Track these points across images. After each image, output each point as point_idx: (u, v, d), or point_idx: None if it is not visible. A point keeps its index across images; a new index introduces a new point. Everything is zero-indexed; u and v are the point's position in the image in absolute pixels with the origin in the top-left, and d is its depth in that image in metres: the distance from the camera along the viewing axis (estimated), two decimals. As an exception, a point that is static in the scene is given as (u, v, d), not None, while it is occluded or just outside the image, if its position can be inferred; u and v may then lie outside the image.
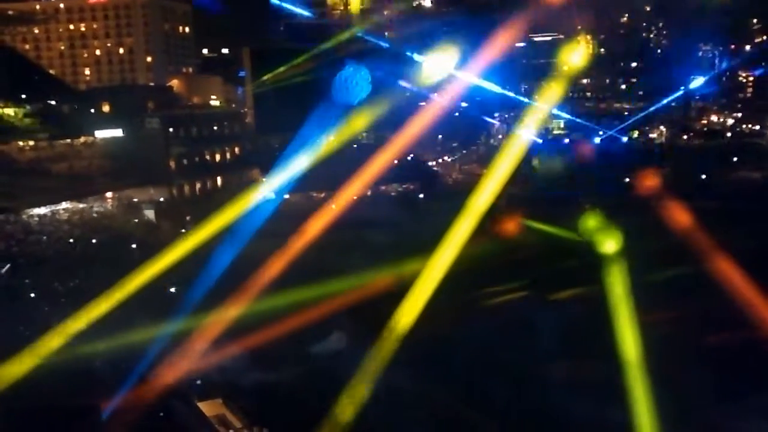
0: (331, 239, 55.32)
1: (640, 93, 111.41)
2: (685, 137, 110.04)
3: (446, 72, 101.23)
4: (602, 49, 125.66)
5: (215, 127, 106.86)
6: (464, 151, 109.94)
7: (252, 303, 44.15)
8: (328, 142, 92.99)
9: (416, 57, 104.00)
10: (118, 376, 34.43)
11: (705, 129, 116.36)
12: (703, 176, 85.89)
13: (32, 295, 49.71)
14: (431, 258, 48.58)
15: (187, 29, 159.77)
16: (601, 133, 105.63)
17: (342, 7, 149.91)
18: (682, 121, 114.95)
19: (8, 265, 56.21)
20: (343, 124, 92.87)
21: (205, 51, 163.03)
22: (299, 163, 78.31)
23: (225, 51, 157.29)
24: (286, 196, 79.87)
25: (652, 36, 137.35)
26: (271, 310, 41.51)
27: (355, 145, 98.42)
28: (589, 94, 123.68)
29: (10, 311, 45.53)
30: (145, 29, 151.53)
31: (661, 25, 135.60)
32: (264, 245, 52.18)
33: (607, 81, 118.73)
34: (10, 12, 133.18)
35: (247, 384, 37.06)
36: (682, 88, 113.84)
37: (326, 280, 45.65)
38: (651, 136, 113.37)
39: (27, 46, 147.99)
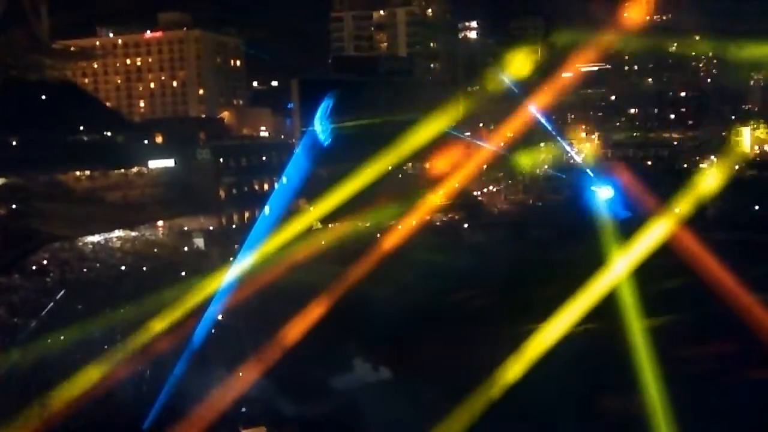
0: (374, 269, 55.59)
1: (690, 123, 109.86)
2: (736, 167, 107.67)
3: (491, 102, 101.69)
4: (650, 79, 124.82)
5: (264, 158, 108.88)
6: (510, 181, 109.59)
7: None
8: (373, 171, 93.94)
9: (460, 87, 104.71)
10: (162, 400, 35.16)
11: (758, 159, 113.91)
12: (756, 207, 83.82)
13: (85, 320, 50.90)
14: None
15: (238, 62, 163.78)
16: (649, 162, 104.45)
17: (388, 41, 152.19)
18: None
19: (63, 291, 57.84)
20: (389, 153, 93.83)
21: (255, 83, 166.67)
22: (346, 192, 79.24)
23: (274, 83, 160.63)
24: (331, 225, 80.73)
25: (701, 65, 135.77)
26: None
27: (400, 175, 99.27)
28: (637, 123, 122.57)
29: (66, 335, 46.85)
30: (198, 63, 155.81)
31: (711, 54, 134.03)
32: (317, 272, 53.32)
33: (656, 110, 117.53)
34: (72, 48, 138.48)
35: (289, 413, 37.27)
36: (734, 117, 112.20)
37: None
38: (702, 166, 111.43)
39: (86, 80, 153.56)
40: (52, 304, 54.55)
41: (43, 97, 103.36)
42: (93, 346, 42.68)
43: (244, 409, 37.14)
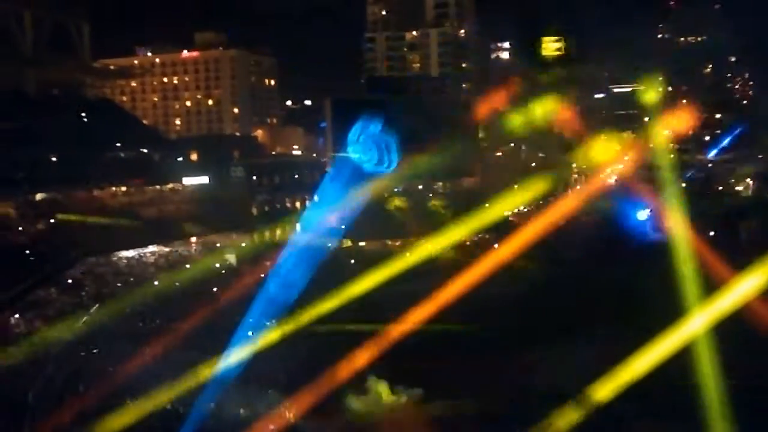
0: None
1: (725, 145, 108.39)
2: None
3: (524, 122, 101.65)
4: (684, 101, 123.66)
5: (296, 176, 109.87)
6: (540, 203, 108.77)
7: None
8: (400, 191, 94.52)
9: (491, 107, 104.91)
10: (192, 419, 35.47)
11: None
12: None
13: (117, 334, 51.66)
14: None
15: (272, 82, 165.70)
16: (684, 185, 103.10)
17: (420, 61, 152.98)
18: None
19: (96, 305, 58.79)
20: (419, 173, 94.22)
21: (288, 102, 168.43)
22: (374, 210, 79.72)
23: (308, 102, 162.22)
24: (362, 243, 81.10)
25: (737, 87, 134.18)
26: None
27: (430, 194, 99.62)
28: (671, 145, 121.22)
29: (97, 349, 47.66)
30: (233, 82, 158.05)
31: (747, 76, 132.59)
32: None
33: (690, 133, 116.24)
34: (112, 67, 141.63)
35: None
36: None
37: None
38: (737, 188, 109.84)
39: (124, 98, 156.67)
40: (86, 317, 55.48)
41: (83, 114, 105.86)
42: (126, 360, 43.24)
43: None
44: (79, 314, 55.75)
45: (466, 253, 75.24)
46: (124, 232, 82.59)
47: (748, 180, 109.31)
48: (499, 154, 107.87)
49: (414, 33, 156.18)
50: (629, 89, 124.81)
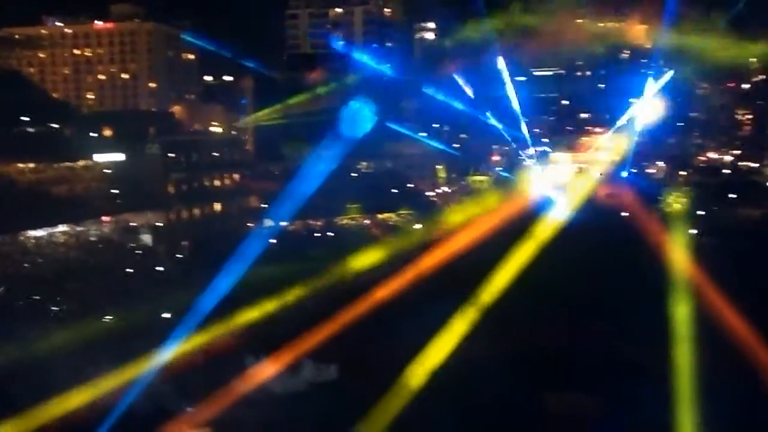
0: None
1: (639, 129, 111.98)
2: (683, 173, 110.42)
3: (447, 104, 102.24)
4: (601, 84, 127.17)
5: (215, 154, 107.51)
6: (463, 183, 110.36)
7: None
8: (327, 170, 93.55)
9: (417, 88, 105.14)
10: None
11: (703, 165, 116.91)
12: (701, 212, 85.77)
13: (27, 316, 49.52)
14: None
15: (191, 56, 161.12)
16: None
17: (343, 40, 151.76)
18: (680, 157, 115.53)
19: (3, 287, 56.19)
20: (343, 152, 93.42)
21: (208, 78, 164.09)
22: (298, 190, 78.62)
23: (228, 78, 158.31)
24: (284, 224, 79.91)
25: (650, 72, 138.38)
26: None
27: (354, 174, 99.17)
28: (588, 128, 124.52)
29: (5, 332, 45.39)
30: (149, 56, 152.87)
31: (661, 63, 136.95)
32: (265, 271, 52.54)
33: (607, 116, 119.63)
34: (17, 36, 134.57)
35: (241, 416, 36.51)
36: (681, 124, 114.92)
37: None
38: (649, 171, 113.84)
39: (32, 70, 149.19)
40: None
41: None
42: (35, 344, 41.35)
43: (189, 409, 36.43)
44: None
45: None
46: (32, 211, 78.89)
47: (660, 163, 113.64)
48: (425, 134, 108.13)
49: (338, 10, 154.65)
50: (551, 73, 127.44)
